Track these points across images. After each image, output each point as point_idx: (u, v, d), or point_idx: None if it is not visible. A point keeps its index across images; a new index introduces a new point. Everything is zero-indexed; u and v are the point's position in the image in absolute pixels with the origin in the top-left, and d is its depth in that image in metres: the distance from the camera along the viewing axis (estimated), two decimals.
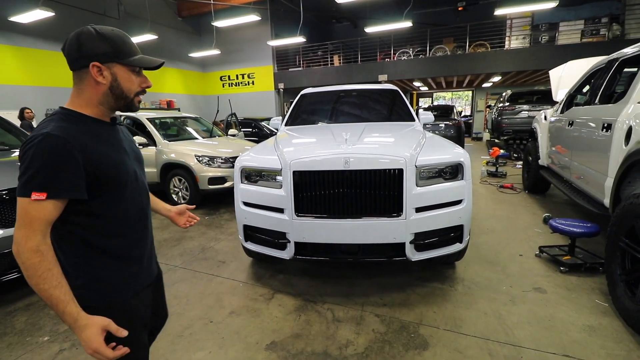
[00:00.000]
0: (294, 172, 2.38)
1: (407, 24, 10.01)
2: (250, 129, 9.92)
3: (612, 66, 3.24)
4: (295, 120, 4.06)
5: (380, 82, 12.33)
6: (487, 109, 16.64)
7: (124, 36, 1.02)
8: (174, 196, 5.33)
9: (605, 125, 2.82)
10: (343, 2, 9.55)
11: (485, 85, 16.54)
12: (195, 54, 13.71)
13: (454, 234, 2.50)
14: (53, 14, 8.19)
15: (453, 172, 2.49)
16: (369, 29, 11.08)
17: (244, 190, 2.69)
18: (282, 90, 14.60)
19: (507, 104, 9.56)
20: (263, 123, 10.10)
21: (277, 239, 2.54)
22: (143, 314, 1.15)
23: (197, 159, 5.01)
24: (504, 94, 10.44)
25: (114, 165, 1.01)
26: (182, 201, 5.27)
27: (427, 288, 2.68)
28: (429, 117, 3.95)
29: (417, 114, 3.94)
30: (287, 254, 2.51)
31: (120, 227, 1.05)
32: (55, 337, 2.20)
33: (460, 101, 29.21)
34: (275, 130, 4.04)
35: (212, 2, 11.78)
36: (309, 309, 2.47)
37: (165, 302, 1.36)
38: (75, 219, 0.96)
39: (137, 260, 1.12)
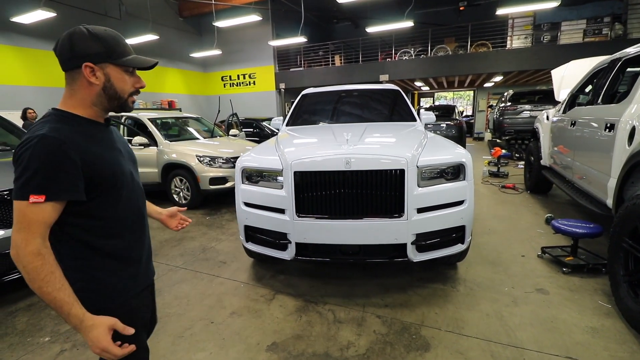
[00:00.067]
0: (295, 173, 2.37)
1: (408, 23, 10.00)
2: (252, 129, 9.92)
3: (615, 66, 3.23)
4: (296, 120, 4.06)
5: (381, 82, 12.32)
6: (489, 108, 16.60)
7: (117, 36, 1.01)
8: (175, 196, 5.34)
9: (608, 125, 2.80)
10: (344, 2, 9.54)
11: (486, 85, 16.51)
12: (196, 54, 13.73)
13: (455, 234, 2.49)
14: (55, 14, 8.21)
15: (455, 172, 2.48)
16: (370, 29, 11.07)
17: (245, 191, 2.69)
18: (283, 90, 14.61)
19: (508, 103, 9.53)
20: (264, 123, 10.10)
21: (278, 239, 2.54)
22: (143, 315, 1.16)
23: (198, 159, 5.01)
24: (505, 94, 10.41)
25: (110, 166, 1.00)
26: (184, 201, 5.27)
27: (429, 289, 2.67)
28: (430, 117, 3.94)
29: (418, 114, 3.93)
30: (288, 254, 2.51)
31: (118, 228, 1.05)
32: (57, 337, 2.20)
33: (462, 101, 29.16)
34: (277, 131, 4.04)
35: (213, 2, 11.78)
36: (310, 309, 2.46)
37: (156, 308, 1.36)
38: (73, 220, 0.95)
39: (136, 261, 1.12)
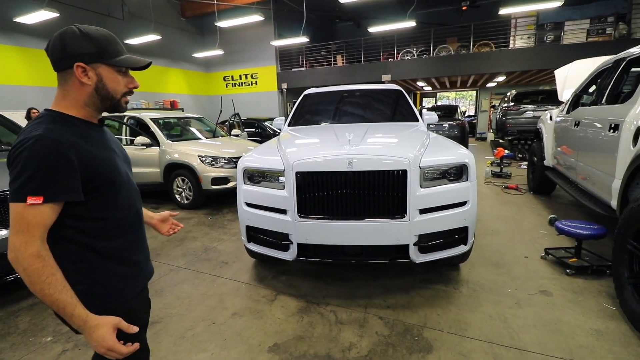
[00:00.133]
0: (297, 173, 2.36)
1: (410, 23, 9.97)
2: (254, 129, 9.92)
3: (619, 66, 3.20)
4: (298, 120, 4.05)
5: (383, 82, 12.30)
6: (492, 109, 16.54)
7: (109, 36, 1.00)
8: (177, 196, 5.34)
9: (613, 125, 2.78)
10: (346, 2, 9.53)
11: (489, 85, 16.45)
12: (198, 54, 13.75)
13: (458, 235, 2.47)
14: (58, 14, 8.24)
15: (457, 173, 2.47)
16: (373, 29, 11.05)
17: (246, 191, 2.68)
18: (285, 90, 14.61)
19: (511, 104, 9.49)
20: (266, 123, 10.10)
21: (279, 240, 2.53)
22: (143, 315, 1.16)
23: (200, 159, 5.01)
24: (508, 94, 10.37)
25: (106, 167, 1.00)
26: (186, 201, 5.28)
27: (431, 290, 2.66)
28: (432, 117, 3.92)
29: (420, 114, 3.91)
30: (289, 255, 2.50)
31: (116, 229, 1.04)
32: (59, 337, 2.20)
33: (464, 101, 29.07)
34: (278, 131, 4.03)
35: (215, 2, 11.80)
36: (311, 310, 2.45)
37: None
38: (70, 222, 0.95)
39: (135, 262, 1.11)
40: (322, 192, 2.35)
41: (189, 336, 2.20)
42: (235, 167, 3.86)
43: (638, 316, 2.06)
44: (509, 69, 11.15)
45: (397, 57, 12.95)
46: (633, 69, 3.21)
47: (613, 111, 2.90)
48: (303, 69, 14.54)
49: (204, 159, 5.02)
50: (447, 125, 9.79)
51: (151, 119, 5.66)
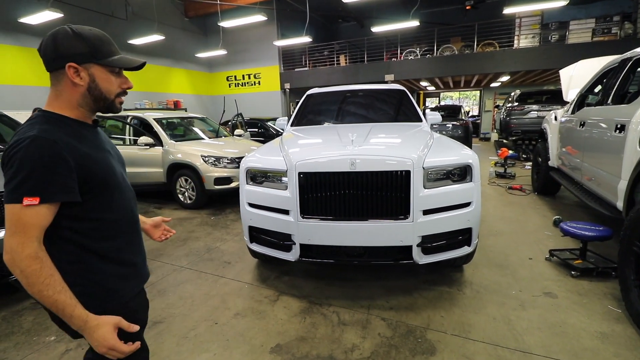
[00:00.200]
0: (300, 174, 2.36)
1: (414, 23, 9.94)
2: (256, 129, 9.93)
3: (626, 66, 3.17)
4: (301, 120, 4.05)
5: (386, 82, 12.27)
6: (496, 109, 16.46)
7: (102, 36, 0.99)
8: (180, 196, 5.35)
9: (619, 126, 2.75)
10: (349, 1, 9.51)
11: (493, 84, 16.37)
12: (201, 54, 13.78)
13: (462, 237, 2.46)
14: (62, 15, 8.29)
15: (461, 173, 2.45)
16: (376, 29, 11.02)
17: (249, 192, 2.68)
18: (288, 90, 14.61)
19: (516, 103, 9.43)
20: (269, 123, 10.10)
21: (282, 240, 2.52)
22: (141, 316, 1.15)
23: (203, 159, 5.02)
24: (512, 94, 10.31)
25: (101, 167, 0.99)
26: (189, 201, 5.29)
27: (435, 291, 2.64)
28: (436, 117, 3.90)
29: (424, 114, 3.89)
30: (292, 255, 2.49)
31: (113, 229, 1.03)
32: (62, 336, 2.20)
33: (468, 101, 28.95)
34: (281, 131, 4.03)
35: (218, 2, 11.82)
36: (314, 311, 2.44)
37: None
38: (67, 223, 0.94)
39: (133, 263, 1.11)
40: (324, 193, 2.34)
41: (191, 336, 2.20)
42: (238, 167, 3.86)
43: None
44: (513, 69, 11.08)
45: (400, 57, 12.91)
46: (639, 69, 3.18)
47: (619, 111, 2.87)
48: (306, 69, 14.54)
49: (206, 159, 5.03)
50: (450, 126, 9.75)
51: (154, 119, 5.68)
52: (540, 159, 5.28)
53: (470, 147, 8.08)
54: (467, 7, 14.23)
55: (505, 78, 13.55)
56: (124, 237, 1.07)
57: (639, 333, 2.07)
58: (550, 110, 6.13)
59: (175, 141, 5.47)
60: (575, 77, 5.01)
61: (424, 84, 15.93)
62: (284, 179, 2.49)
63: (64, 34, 0.93)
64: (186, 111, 12.75)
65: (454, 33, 12.89)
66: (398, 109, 4.04)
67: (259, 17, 10.43)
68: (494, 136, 14.01)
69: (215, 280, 2.96)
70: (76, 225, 0.95)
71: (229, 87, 15.91)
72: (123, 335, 0.96)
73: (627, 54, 3.23)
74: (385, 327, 2.24)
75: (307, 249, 2.49)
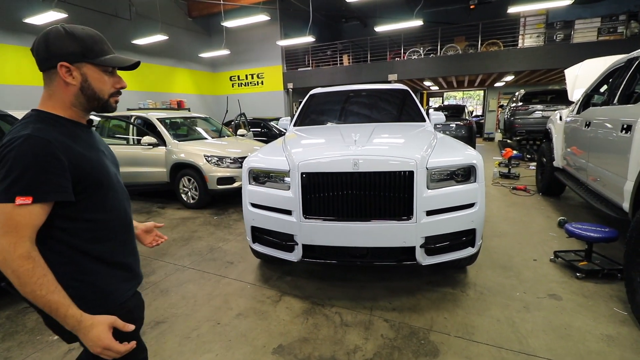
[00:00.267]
0: (302, 174, 2.35)
1: (417, 22, 9.90)
2: (259, 129, 9.93)
3: (632, 65, 3.13)
4: (304, 120, 4.04)
5: (390, 82, 12.23)
6: (500, 108, 16.37)
7: (95, 35, 0.98)
8: (183, 196, 5.37)
9: (625, 126, 2.72)
10: (352, 1, 9.49)
11: (497, 84, 16.27)
12: (205, 54, 13.81)
13: (465, 238, 2.44)
14: (66, 15, 8.33)
15: (465, 174, 2.43)
16: (379, 28, 10.99)
17: (251, 192, 2.67)
18: (291, 90, 14.61)
19: (520, 103, 9.37)
20: (272, 123, 10.11)
21: (284, 241, 2.52)
22: (137, 316, 1.14)
23: (206, 159, 5.03)
24: (517, 94, 10.24)
25: (95, 167, 0.98)
26: (192, 201, 5.30)
27: (438, 293, 2.62)
28: (440, 117, 3.88)
29: (427, 114, 3.88)
30: (294, 256, 2.49)
31: (106, 230, 1.02)
32: None
33: (472, 101, 28.82)
34: (284, 131, 4.02)
35: (221, 2, 11.84)
36: (316, 312, 2.44)
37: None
38: (60, 224, 0.93)
39: (127, 265, 1.10)
40: (327, 193, 2.33)
41: (194, 336, 2.20)
42: (241, 167, 3.86)
43: None
44: (518, 69, 11.01)
45: (403, 57, 12.86)
46: None
47: (625, 111, 2.84)
48: (309, 68, 14.53)
49: (209, 158, 5.04)
50: (454, 126, 9.71)
51: (158, 119, 5.70)
52: (544, 159, 5.24)
53: (474, 147, 8.04)
54: (471, 7, 14.14)
55: (509, 78, 13.47)
56: (118, 238, 1.06)
57: None
58: (555, 110, 6.08)
59: (179, 141, 5.49)
60: (581, 76, 4.97)
61: (427, 83, 15.88)
62: (286, 179, 2.49)
63: (56, 33, 0.93)
64: (189, 111, 12.81)
65: (457, 32, 12.82)
66: (401, 108, 4.02)
67: (262, 17, 10.43)
68: (498, 136, 13.95)
69: (218, 280, 2.96)
70: (69, 226, 0.94)
71: (232, 87, 15.94)
72: (118, 335, 0.95)
73: (634, 54, 3.19)
74: (388, 328, 2.22)
75: (310, 250, 2.48)
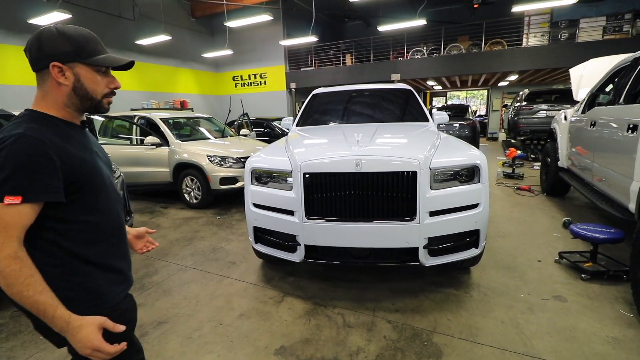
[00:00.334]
0: (305, 174, 2.34)
1: (420, 22, 9.86)
2: (262, 129, 9.94)
3: (638, 64, 3.10)
4: (306, 120, 4.03)
5: (393, 82, 12.20)
6: (503, 108, 16.28)
7: (88, 35, 0.97)
8: (186, 196, 5.38)
9: (631, 126, 2.69)
10: (355, 0, 9.46)
11: (501, 84, 16.18)
12: (208, 54, 13.83)
13: (469, 238, 2.42)
14: (70, 16, 8.37)
15: (469, 174, 2.41)
16: (382, 28, 10.95)
17: (254, 192, 2.67)
18: (293, 90, 14.60)
19: (524, 103, 9.31)
20: (275, 123, 10.11)
21: (287, 241, 2.51)
22: (131, 317, 1.12)
23: (209, 159, 5.03)
24: (521, 93, 10.18)
25: (88, 169, 0.97)
26: (194, 201, 5.31)
27: (441, 294, 2.60)
28: (443, 117, 3.85)
29: (431, 113, 3.85)
30: (297, 256, 2.48)
31: (98, 232, 1.01)
32: None
33: (475, 100, 28.69)
34: (287, 131, 4.02)
35: (225, 2, 11.86)
36: (319, 313, 2.43)
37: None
38: (51, 225, 0.92)
39: (119, 268, 1.08)
40: (330, 194, 2.32)
41: (195, 337, 2.20)
42: (244, 167, 3.86)
43: None
44: (522, 68, 10.93)
45: (406, 56, 12.82)
46: None
47: (631, 111, 2.81)
48: (312, 68, 14.51)
49: (212, 158, 5.04)
50: (457, 125, 9.65)
51: (161, 119, 5.71)
52: (549, 159, 5.20)
53: (477, 147, 8.00)
54: (475, 6, 14.06)
55: (513, 77, 13.39)
56: (110, 240, 1.05)
57: None
58: (559, 110, 6.04)
59: (182, 141, 5.50)
60: (586, 76, 4.93)
61: (430, 83, 15.81)
62: (289, 179, 2.48)
63: (48, 33, 0.93)
64: (192, 111, 12.83)
65: (461, 32, 12.75)
66: (404, 108, 4.00)
67: (265, 17, 10.43)
68: (502, 136, 13.86)
69: (220, 280, 2.96)
70: (61, 227, 0.93)
71: (235, 87, 15.96)
72: (109, 336, 0.93)
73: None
74: (391, 329, 2.21)
75: (312, 250, 2.47)
